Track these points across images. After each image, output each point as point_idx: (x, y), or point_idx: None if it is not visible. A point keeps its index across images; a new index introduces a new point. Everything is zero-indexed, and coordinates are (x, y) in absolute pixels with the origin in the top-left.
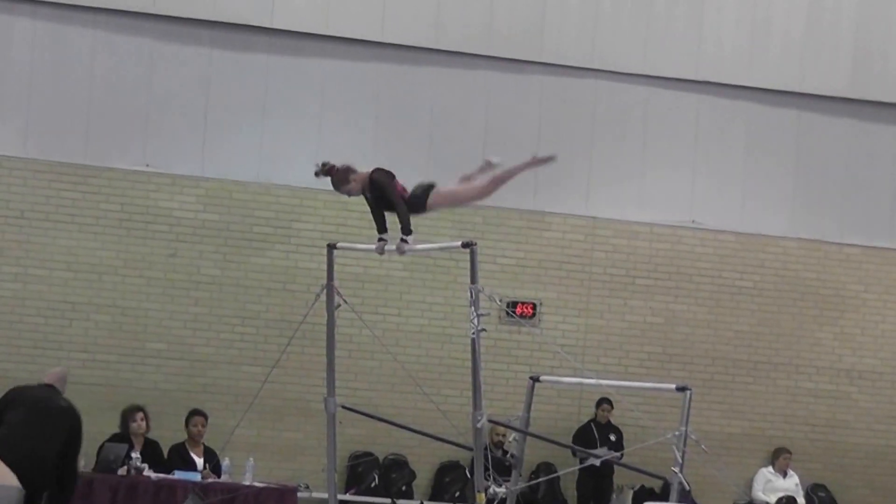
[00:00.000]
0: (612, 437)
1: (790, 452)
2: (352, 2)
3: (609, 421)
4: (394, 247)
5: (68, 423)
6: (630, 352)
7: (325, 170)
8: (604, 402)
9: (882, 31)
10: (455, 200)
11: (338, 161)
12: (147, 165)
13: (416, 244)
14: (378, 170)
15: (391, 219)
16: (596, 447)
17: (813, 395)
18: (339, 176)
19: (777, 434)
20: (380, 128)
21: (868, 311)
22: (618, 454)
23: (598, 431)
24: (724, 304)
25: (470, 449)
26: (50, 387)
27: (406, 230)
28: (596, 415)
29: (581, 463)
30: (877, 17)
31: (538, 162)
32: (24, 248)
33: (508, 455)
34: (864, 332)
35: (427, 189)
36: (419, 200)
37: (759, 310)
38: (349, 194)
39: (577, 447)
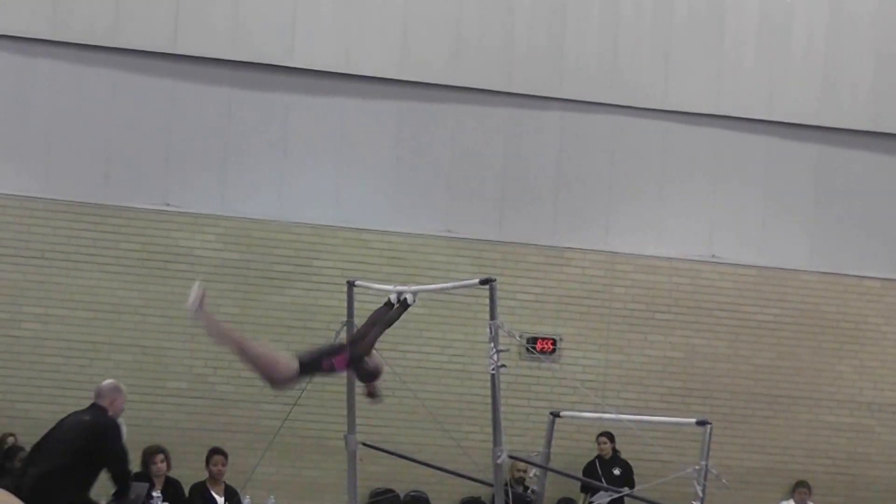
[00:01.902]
0: (616, 472)
1: (808, 486)
2: (371, 40)
3: (614, 455)
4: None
5: (82, 438)
6: (650, 386)
7: (370, 394)
8: (601, 435)
9: None
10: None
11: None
12: (167, 204)
13: (435, 284)
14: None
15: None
16: (600, 483)
17: (833, 429)
18: (363, 377)
19: (798, 468)
20: (399, 165)
21: (888, 343)
22: (624, 489)
23: (601, 467)
24: (743, 339)
25: (491, 485)
26: (92, 405)
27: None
28: (599, 449)
29: (590, 499)
30: (895, 53)
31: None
32: (45, 288)
33: (529, 491)
34: (884, 365)
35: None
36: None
37: (779, 343)
38: (379, 368)
39: (596, 482)
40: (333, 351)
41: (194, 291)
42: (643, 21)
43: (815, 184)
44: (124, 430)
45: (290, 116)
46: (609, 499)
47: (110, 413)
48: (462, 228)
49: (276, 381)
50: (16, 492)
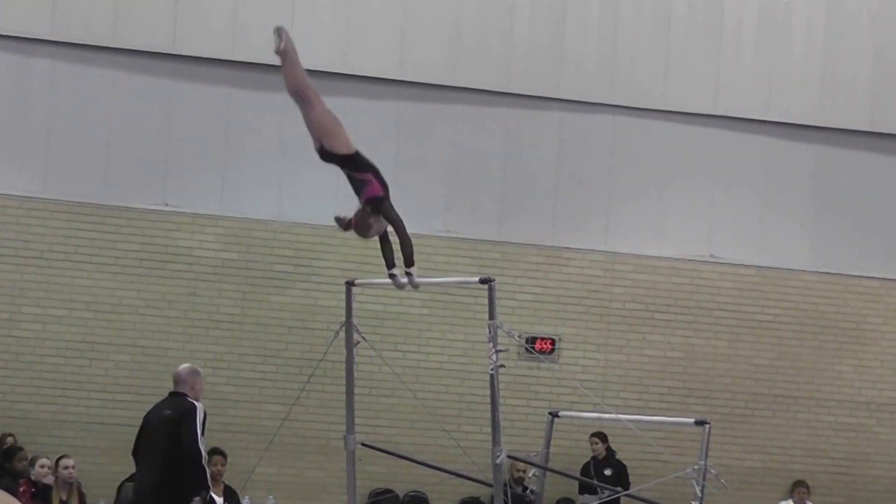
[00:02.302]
0: (608, 472)
1: (807, 486)
2: (370, 40)
3: (607, 455)
4: (405, 280)
5: (166, 435)
6: (650, 386)
7: (344, 225)
8: (593, 435)
9: None
10: (324, 125)
11: (347, 211)
12: (166, 205)
13: (435, 279)
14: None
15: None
16: (595, 491)
17: (833, 429)
18: (360, 225)
19: (797, 468)
20: (399, 164)
21: (888, 343)
22: (618, 490)
23: (594, 467)
24: (743, 339)
25: (490, 485)
26: (172, 394)
27: (409, 263)
28: (592, 450)
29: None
30: (894, 53)
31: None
32: (44, 289)
33: (528, 491)
34: (883, 365)
35: (327, 152)
36: (340, 159)
37: (779, 343)
38: (378, 233)
39: (595, 482)
40: (379, 178)
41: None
42: (642, 21)
43: (814, 184)
44: (202, 413)
45: (290, 116)
46: (597, 500)
47: (190, 398)
48: (461, 228)
49: (333, 144)
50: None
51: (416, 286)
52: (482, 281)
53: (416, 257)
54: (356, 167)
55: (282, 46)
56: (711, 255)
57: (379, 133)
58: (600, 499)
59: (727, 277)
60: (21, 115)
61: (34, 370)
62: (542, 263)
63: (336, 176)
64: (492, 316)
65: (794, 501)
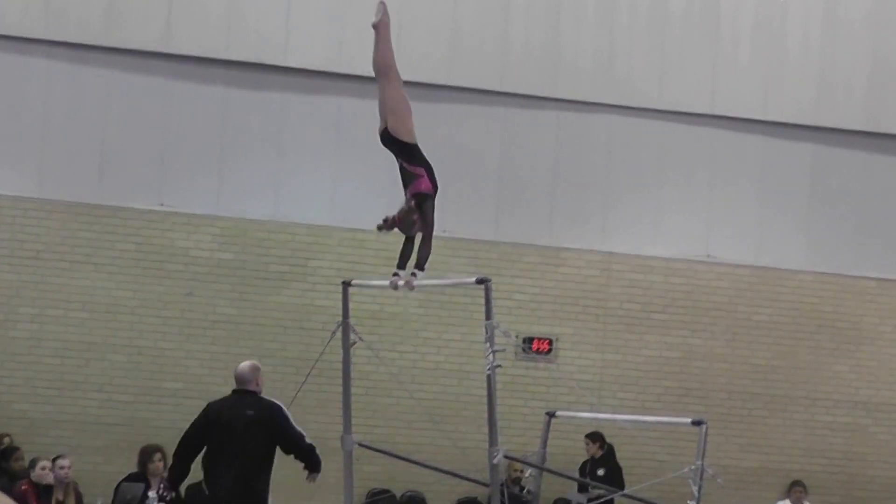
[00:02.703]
0: (600, 472)
1: (804, 485)
2: (365, 39)
3: (603, 456)
4: (402, 282)
5: (257, 432)
6: (647, 386)
7: (389, 225)
8: (586, 436)
9: (895, 67)
10: (393, 108)
11: (390, 210)
12: (162, 204)
13: (431, 280)
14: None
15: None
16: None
17: (830, 428)
18: (403, 223)
19: (794, 467)
20: (395, 164)
21: (884, 343)
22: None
23: (589, 467)
24: (740, 338)
25: (487, 485)
26: (240, 393)
27: (420, 266)
28: (586, 451)
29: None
30: (891, 51)
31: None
32: (41, 289)
33: (525, 491)
34: (880, 365)
35: (389, 136)
36: (399, 145)
37: (776, 343)
38: (414, 235)
39: (588, 481)
40: (431, 176)
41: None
42: (638, 21)
43: (811, 183)
44: (286, 409)
45: (286, 116)
46: (586, 499)
47: (264, 396)
48: (458, 228)
49: (397, 127)
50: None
51: (411, 288)
52: (479, 281)
53: (422, 267)
54: (411, 159)
55: (378, 20)
56: (708, 255)
57: (374, 132)
58: (588, 497)
59: (724, 277)
60: (16, 114)
61: (31, 370)
62: (538, 263)
63: (332, 176)
64: (488, 316)
65: (791, 501)
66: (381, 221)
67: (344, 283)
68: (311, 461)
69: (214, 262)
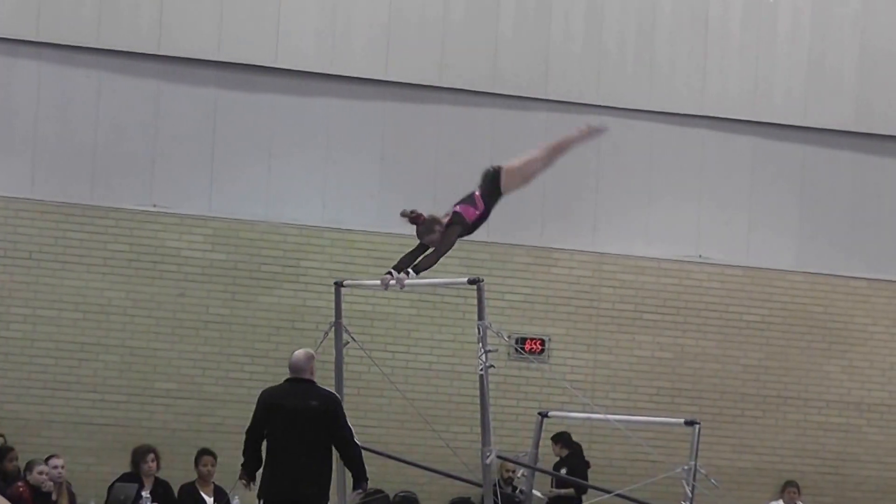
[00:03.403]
0: (563, 472)
1: (797, 486)
2: (356, 41)
3: (568, 455)
4: (393, 280)
5: (321, 422)
6: (639, 387)
7: (412, 217)
8: (550, 439)
9: (886, 66)
10: (524, 176)
11: (425, 210)
12: (154, 205)
13: (423, 279)
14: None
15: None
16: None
17: (822, 429)
18: (425, 225)
19: (787, 468)
20: (385, 166)
21: (875, 343)
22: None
23: (554, 467)
24: (732, 339)
25: (480, 485)
26: (297, 381)
27: (417, 270)
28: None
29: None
30: (880, 52)
31: (592, 131)
32: (33, 290)
33: (518, 491)
34: (872, 365)
35: (495, 174)
36: (493, 185)
37: (768, 344)
38: (431, 244)
39: (587, 483)
40: (483, 210)
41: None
42: (628, 22)
43: (802, 184)
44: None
45: (277, 117)
46: (547, 497)
47: (322, 386)
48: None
49: (510, 186)
50: (280, 496)
51: (402, 286)
52: (471, 281)
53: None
54: (488, 197)
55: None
56: (699, 256)
57: (365, 134)
58: (544, 493)
59: (715, 278)
60: (7, 116)
61: (23, 371)
62: (530, 264)
63: (323, 177)
64: (481, 316)
65: (784, 502)
66: (409, 210)
67: (336, 283)
68: (356, 468)
69: (206, 263)
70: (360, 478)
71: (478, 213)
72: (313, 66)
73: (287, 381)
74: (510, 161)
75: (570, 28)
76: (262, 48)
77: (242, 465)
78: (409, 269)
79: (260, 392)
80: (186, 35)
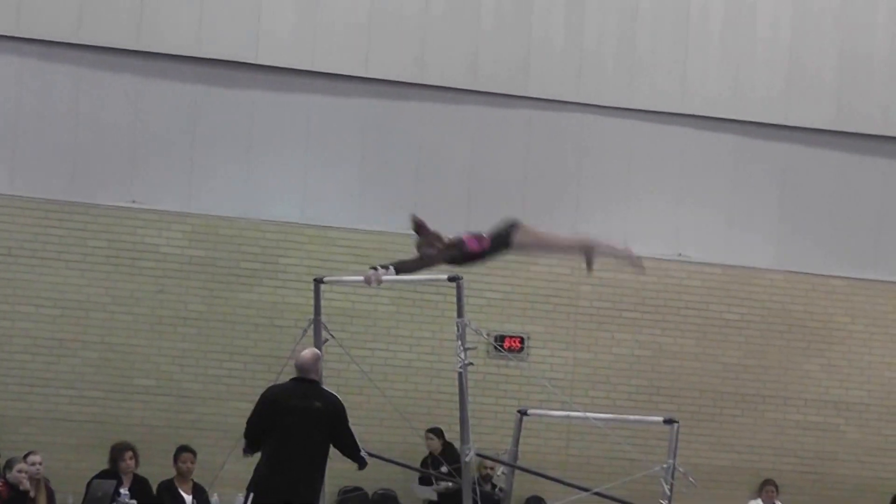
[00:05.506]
0: (443, 469)
1: (775, 484)
2: (336, 38)
3: (443, 451)
4: (379, 272)
5: (324, 425)
6: (618, 385)
7: (418, 225)
8: (428, 431)
9: (865, 65)
10: (540, 243)
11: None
12: (133, 202)
13: (403, 276)
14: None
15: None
16: (431, 482)
17: (801, 428)
18: (426, 238)
19: (765, 466)
20: (365, 163)
21: (854, 342)
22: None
23: (431, 462)
24: (711, 337)
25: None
26: (303, 381)
27: (397, 270)
28: (427, 446)
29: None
30: (859, 51)
31: (631, 260)
32: (12, 286)
33: (497, 489)
34: (851, 364)
35: (511, 226)
36: (504, 236)
37: (747, 342)
38: (425, 257)
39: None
40: (489, 250)
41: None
42: (609, 19)
43: (781, 183)
44: None
45: (256, 114)
46: (432, 489)
47: (326, 387)
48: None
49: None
50: (275, 495)
51: (379, 282)
52: (450, 279)
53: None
54: (496, 241)
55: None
56: (679, 254)
57: (346, 130)
58: (435, 489)
59: (694, 276)
60: None
61: (1, 367)
62: (509, 261)
63: (303, 174)
64: (460, 314)
65: (762, 500)
66: (419, 218)
67: (316, 280)
68: (358, 461)
69: (185, 259)
70: (361, 467)
71: (479, 249)
72: (293, 63)
73: (293, 380)
74: (535, 225)
75: (550, 25)
76: (242, 44)
77: (245, 446)
78: (391, 266)
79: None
80: (166, 31)
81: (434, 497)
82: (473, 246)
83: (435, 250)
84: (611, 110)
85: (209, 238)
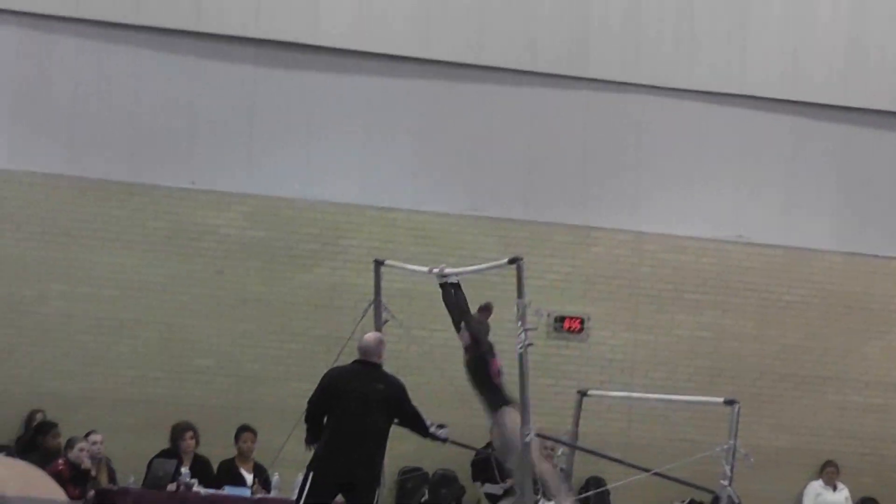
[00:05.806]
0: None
1: (836, 465)
2: (395, 19)
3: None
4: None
5: (385, 407)
6: (678, 366)
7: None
8: None
9: None
10: (507, 438)
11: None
12: (193, 183)
13: (464, 268)
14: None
15: None
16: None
17: (861, 409)
18: (468, 324)
19: (826, 448)
20: (423, 144)
21: None
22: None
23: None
24: (771, 319)
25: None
26: (366, 364)
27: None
28: None
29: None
30: None
31: None
32: (72, 266)
33: (558, 469)
34: None
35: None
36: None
37: (807, 324)
38: (460, 336)
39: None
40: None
41: None
42: (667, 1)
43: (841, 164)
44: None
45: (315, 95)
46: (502, 489)
47: (387, 371)
48: (488, 208)
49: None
50: (335, 476)
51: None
52: (511, 261)
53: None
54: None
55: None
56: (739, 236)
57: (404, 112)
58: (502, 486)
59: (754, 258)
60: (46, 93)
61: (62, 347)
62: (569, 243)
63: (362, 154)
64: (520, 295)
65: (823, 481)
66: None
67: (376, 261)
68: (431, 436)
69: (244, 241)
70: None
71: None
72: (352, 44)
73: (355, 362)
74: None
75: (609, 6)
76: (301, 25)
77: (307, 434)
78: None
79: (325, 371)
80: (225, 12)
81: (499, 493)
82: (470, 351)
83: (464, 333)
84: (669, 91)
85: (268, 219)
